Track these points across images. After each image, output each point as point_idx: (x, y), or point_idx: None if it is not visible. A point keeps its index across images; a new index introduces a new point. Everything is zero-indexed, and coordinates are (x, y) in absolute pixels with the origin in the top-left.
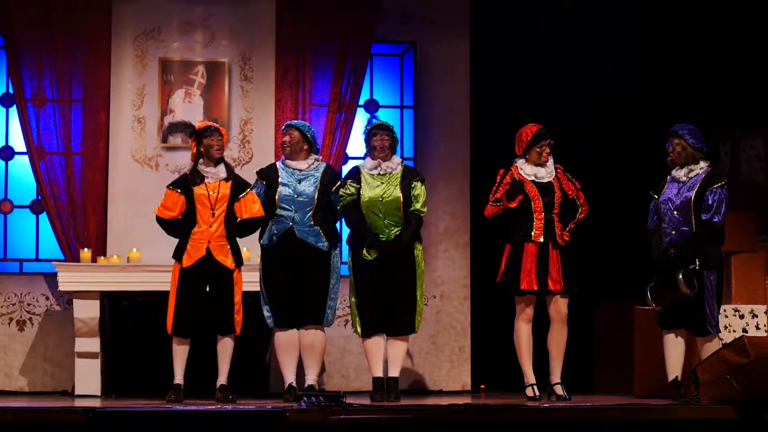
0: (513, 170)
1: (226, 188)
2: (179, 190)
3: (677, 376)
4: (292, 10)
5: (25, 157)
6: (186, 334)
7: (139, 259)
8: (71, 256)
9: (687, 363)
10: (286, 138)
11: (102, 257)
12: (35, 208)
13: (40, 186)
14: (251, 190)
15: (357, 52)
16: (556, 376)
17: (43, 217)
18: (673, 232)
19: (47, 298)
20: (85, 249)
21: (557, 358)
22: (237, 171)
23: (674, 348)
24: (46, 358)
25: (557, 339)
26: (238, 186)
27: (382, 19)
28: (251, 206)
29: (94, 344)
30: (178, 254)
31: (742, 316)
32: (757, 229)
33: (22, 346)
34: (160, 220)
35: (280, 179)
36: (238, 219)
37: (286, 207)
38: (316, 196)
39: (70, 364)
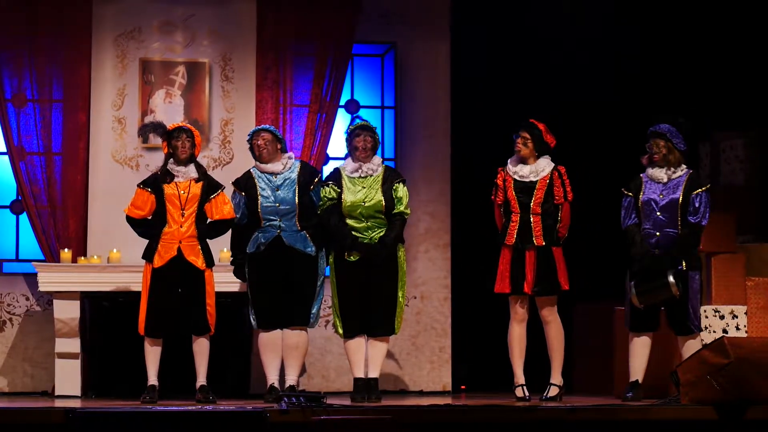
0: (505, 170)
1: (197, 188)
2: (149, 189)
3: (638, 379)
4: (272, 11)
5: (5, 158)
6: (158, 335)
7: (120, 259)
8: (51, 256)
9: (666, 364)
10: (260, 142)
11: (82, 257)
12: (15, 208)
13: (20, 186)
14: (226, 195)
15: (338, 52)
16: (551, 376)
17: (24, 218)
18: (658, 233)
19: (27, 299)
20: (66, 249)
21: (552, 359)
22: (218, 171)
23: (641, 351)
24: (26, 359)
25: (547, 338)
26: (210, 186)
27: (362, 19)
28: (222, 207)
29: (74, 345)
30: (148, 254)
31: (722, 317)
32: (736, 230)
33: (2, 346)
34: (130, 220)
35: (258, 190)
36: (209, 220)
37: (272, 218)
38: (297, 200)
39: (50, 364)
